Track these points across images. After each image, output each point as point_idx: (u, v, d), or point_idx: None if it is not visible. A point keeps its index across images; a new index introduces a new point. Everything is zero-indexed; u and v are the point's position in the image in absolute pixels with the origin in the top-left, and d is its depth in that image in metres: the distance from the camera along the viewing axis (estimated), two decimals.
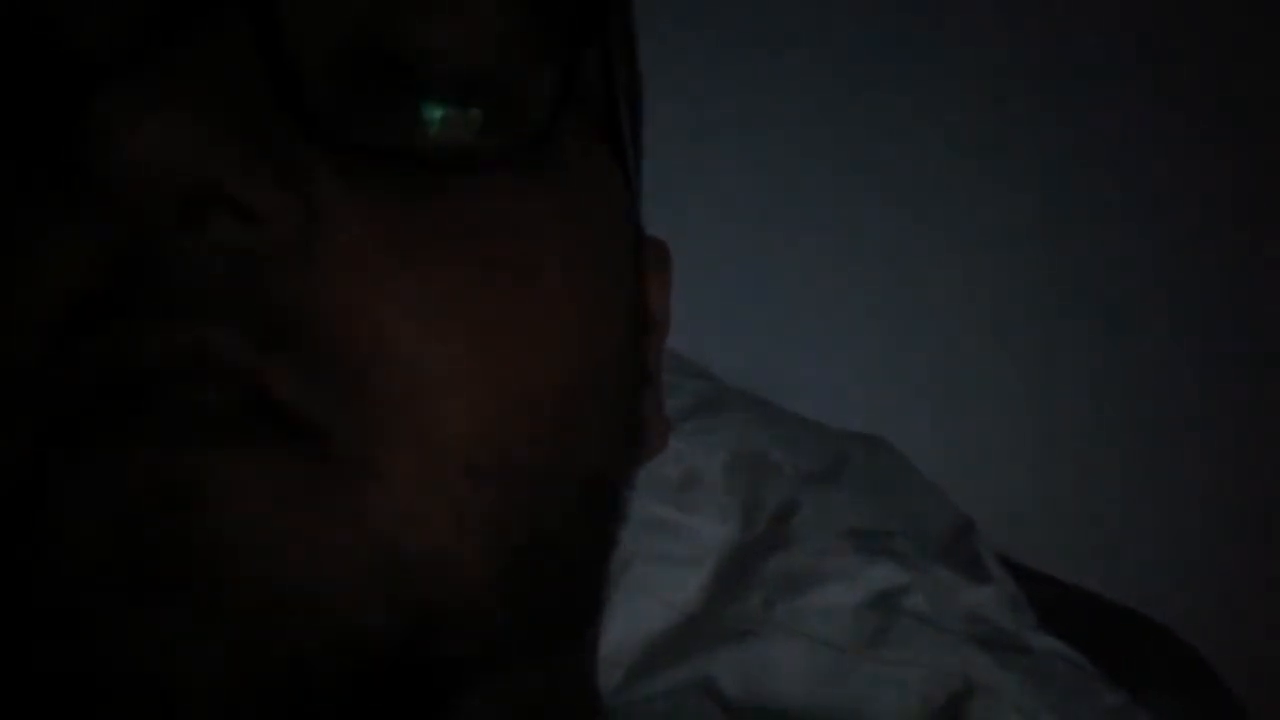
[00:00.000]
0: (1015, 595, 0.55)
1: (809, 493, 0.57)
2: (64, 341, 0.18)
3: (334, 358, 0.19)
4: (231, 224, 0.18)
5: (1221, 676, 0.61)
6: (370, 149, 0.20)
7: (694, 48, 0.74)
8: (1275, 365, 0.78)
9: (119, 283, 0.18)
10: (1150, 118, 0.76)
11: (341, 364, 0.19)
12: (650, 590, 0.50)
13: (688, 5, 0.73)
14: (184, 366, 0.18)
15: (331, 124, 0.20)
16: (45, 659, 0.18)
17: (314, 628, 0.18)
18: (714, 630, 0.49)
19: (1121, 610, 0.64)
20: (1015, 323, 0.78)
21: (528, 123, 0.22)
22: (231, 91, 0.19)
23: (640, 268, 0.29)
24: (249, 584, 0.18)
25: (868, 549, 0.54)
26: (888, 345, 0.78)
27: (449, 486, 0.20)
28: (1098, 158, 0.77)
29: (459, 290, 0.21)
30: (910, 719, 0.47)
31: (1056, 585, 0.63)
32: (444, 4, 0.22)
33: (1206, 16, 0.74)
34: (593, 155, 0.26)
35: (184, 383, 0.18)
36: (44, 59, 0.20)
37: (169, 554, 0.18)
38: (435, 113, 0.22)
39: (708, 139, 0.75)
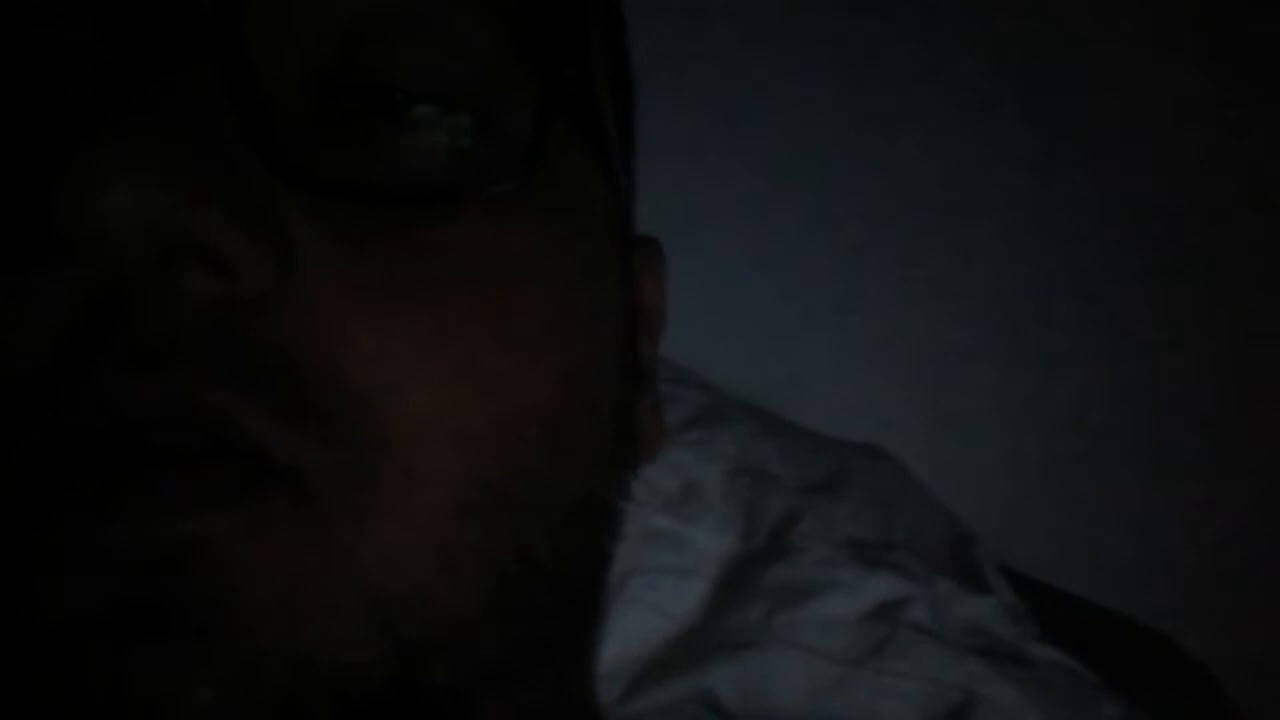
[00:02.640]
0: (1015, 606, 0.55)
1: (809, 503, 0.57)
2: (43, 391, 0.18)
3: (314, 402, 0.19)
4: (204, 275, 0.19)
5: (1222, 684, 0.61)
6: (347, 189, 0.20)
7: (697, 51, 0.74)
8: (1277, 372, 0.78)
9: (95, 337, 0.18)
10: (1154, 125, 0.76)
11: (322, 408, 0.19)
12: (649, 602, 0.50)
13: (689, 4, 0.73)
14: (167, 416, 0.18)
15: (306, 164, 0.20)
16: (37, 693, 0.18)
17: (304, 669, 0.18)
18: (714, 642, 0.49)
19: (1121, 619, 0.64)
20: (1017, 333, 0.78)
21: (507, 148, 0.22)
22: (202, 139, 0.19)
23: (632, 270, 0.28)
24: (237, 630, 0.18)
25: (868, 560, 0.53)
26: (889, 355, 0.77)
27: (436, 525, 0.20)
28: (1102, 167, 0.77)
29: (440, 326, 0.20)
30: None
31: (1057, 595, 0.63)
32: (415, 28, 0.21)
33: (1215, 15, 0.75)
34: (576, 163, 0.25)
35: (168, 431, 0.18)
36: (18, 106, 0.20)
37: (158, 602, 0.18)
38: (411, 145, 0.21)
39: (709, 149, 0.75)
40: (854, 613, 0.51)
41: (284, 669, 0.18)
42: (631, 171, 0.30)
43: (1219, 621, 0.72)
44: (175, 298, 0.19)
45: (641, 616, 0.50)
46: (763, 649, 0.48)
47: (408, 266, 0.20)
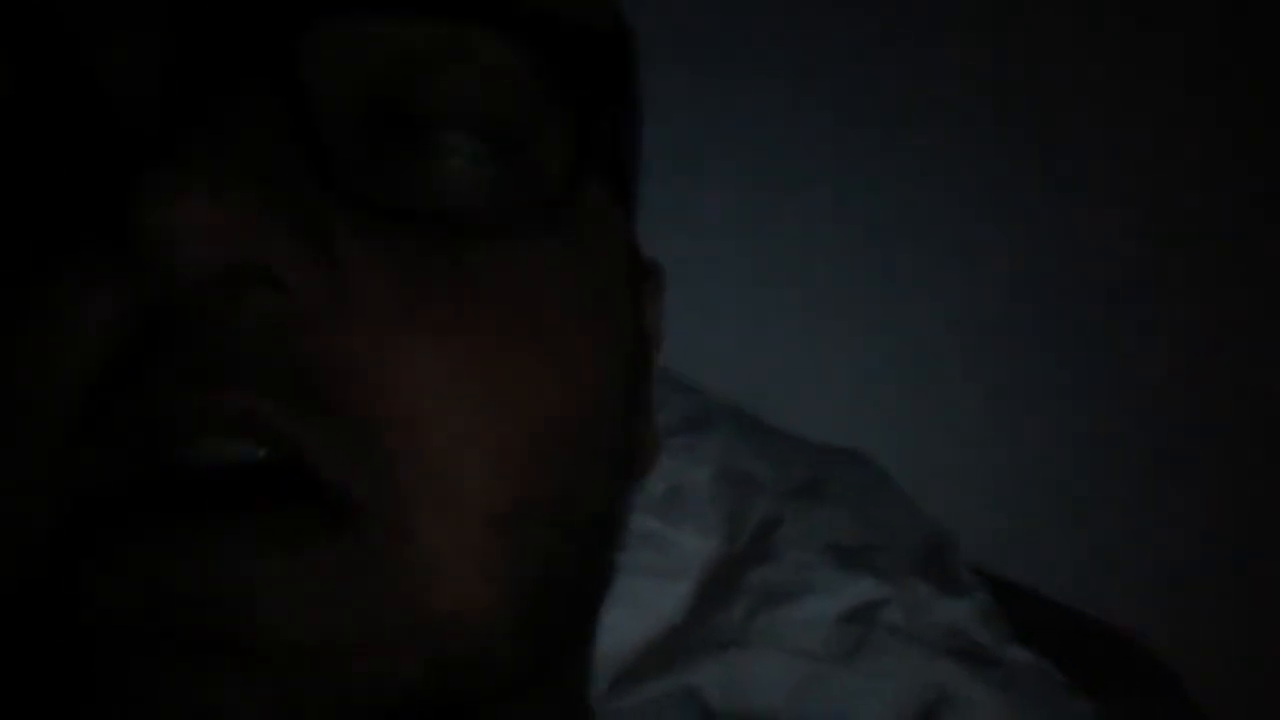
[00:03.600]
0: (990, 608, 0.56)
1: (791, 507, 0.58)
2: (95, 405, 0.19)
3: (360, 420, 0.20)
4: (264, 293, 0.19)
5: (1186, 684, 0.62)
6: (397, 212, 0.21)
7: (686, 56, 0.74)
8: (1258, 379, 0.78)
9: (150, 348, 0.19)
10: (1151, 126, 0.77)
11: (367, 425, 0.20)
12: (635, 602, 0.51)
13: (685, 18, 0.73)
14: (217, 431, 0.19)
15: (359, 188, 0.21)
16: (74, 708, 0.19)
17: (347, 690, 0.20)
18: (697, 641, 0.51)
19: (1093, 621, 0.65)
20: (996, 341, 0.79)
21: (544, 181, 0.23)
22: (265, 161, 0.20)
23: (640, 296, 0.29)
24: (286, 648, 0.19)
25: (848, 563, 0.55)
26: (871, 361, 0.78)
27: (472, 540, 0.21)
28: (1095, 169, 0.77)
29: (478, 348, 0.21)
30: None
31: (1030, 597, 0.64)
32: (462, 63, 0.23)
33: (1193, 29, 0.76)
34: (600, 195, 0.26)
35: (217, 446, 0.19)
36: (87, 123, 0.21)
37: (208, 622, 0.19)
38: (455, 175, 0.22)
39: (695, 157, 0.75)
40: (832, 614, 0.53)
41: (328, 692, 0.19)
42: (636, 199, 0.31)
43: (1193, 625, 0.73)
44: (233, 312, 0.19)
45: (626, 615, 0.51)
46: (744, 648, 0.50)
47: (449, 291, 0.21)
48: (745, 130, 0.77)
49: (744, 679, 0.49)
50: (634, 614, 0.51)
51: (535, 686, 0.24)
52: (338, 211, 0.21)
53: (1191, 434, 0.78)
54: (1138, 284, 0.78)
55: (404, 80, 0.22)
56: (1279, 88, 0.75)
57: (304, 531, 0.20)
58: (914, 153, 0.77)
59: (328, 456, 0.20)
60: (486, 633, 0.21)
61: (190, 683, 0.19)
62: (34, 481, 0.19)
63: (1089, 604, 0.67)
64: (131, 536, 0.19)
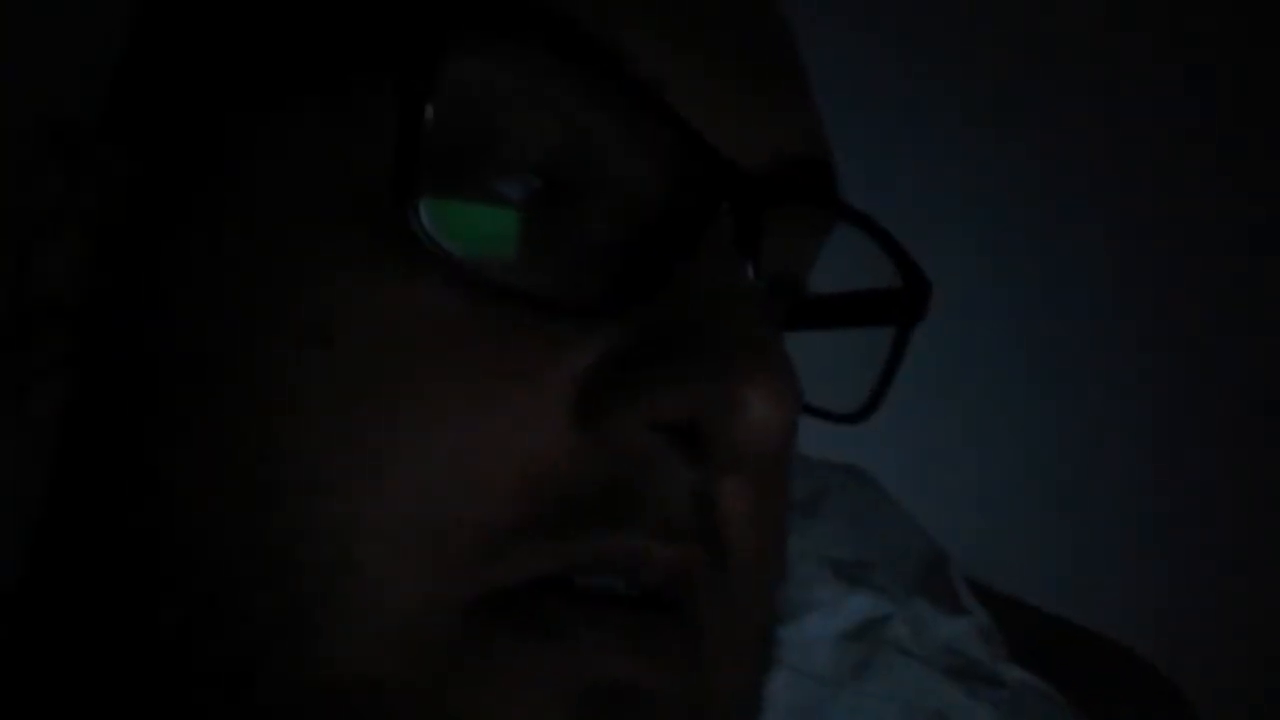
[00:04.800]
0: (989, 627, 0.56)
1: (790, 523, 0.58)
2: (520, 522, 0.20)
3: (723, 567, 0.23)
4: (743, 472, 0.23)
5: (1194, 704, 0.62)
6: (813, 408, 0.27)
7: None
8: (1251, 396, 0.79)
9: (633, 500, 0.21)
10: (1120, 163, 0.77)
11: (723, 569, 0.23)
12: None
13: None
14: (625, 567, 0.21)
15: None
16: None
17: None
18: None
19: (1092, 635, 0.65)
20: (991, 354, 0.79)
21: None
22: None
23: None
24: None
25: (848, 580, 0.54)
26: None
27: (752, 654, 0.26)
28: (1090, 188, 0.78)
29: (779, 507, 0.26)
30: None
31: (1029, 612, 0.64)
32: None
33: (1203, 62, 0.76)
34: None
35: (612, 580, 0.21)
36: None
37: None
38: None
39: None
40: (835, 632, 0.52)
41: None
42: None
43: (1191, 641, 0.73)
44: (694, 482, 0.22)
45: None
46: None
47: (775, 468, 0.26)
48: None
49: None
50: None
51: None
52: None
53: (1185, 443, 0.78)
54: (1124, 296, 0.79)
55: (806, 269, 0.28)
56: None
57: (692, 654, 0.22)
58: (913, 169, 0.77)
59: (702, 590, 0.22)
60: None
61: None
62: (443, 581, 0.20)
63: (1090, 619, 0.67)
64: (552, 633, 0.20)
